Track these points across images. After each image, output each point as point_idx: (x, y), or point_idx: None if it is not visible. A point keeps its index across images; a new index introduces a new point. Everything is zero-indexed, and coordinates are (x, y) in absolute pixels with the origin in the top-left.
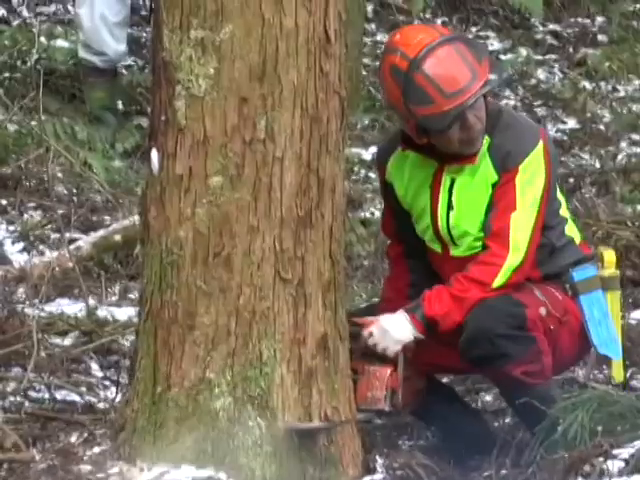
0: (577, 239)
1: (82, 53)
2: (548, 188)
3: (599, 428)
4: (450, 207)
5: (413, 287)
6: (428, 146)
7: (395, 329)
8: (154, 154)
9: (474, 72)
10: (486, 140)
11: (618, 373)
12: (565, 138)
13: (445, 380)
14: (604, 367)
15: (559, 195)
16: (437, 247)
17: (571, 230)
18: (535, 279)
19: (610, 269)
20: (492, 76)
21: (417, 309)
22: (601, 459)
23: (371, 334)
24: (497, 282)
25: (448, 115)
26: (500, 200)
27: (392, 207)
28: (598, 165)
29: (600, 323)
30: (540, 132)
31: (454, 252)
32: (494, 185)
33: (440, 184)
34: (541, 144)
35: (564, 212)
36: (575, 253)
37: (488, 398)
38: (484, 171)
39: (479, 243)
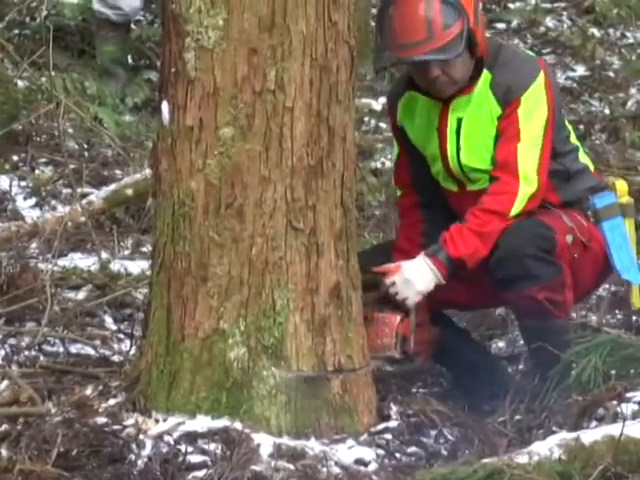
0: (591, 167)
1: (97, 6)
2: (552, 117)
3: (612, 372)
4: (459, 148)
5: (427, 236)
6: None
7: (418, 279)
8: (164, 106)
9: (431, 33)
10: (487, 76)
11: (637, 299)
12: (574, 85)
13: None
14: (617, 312)
15: (567, 123)
16: (453, 186)
17: (584, 157)
18: (556, 204)
19: (625, 197)
20: (457, 46)
21: (439, 251)
22: (615, 402)
23: (393, 283)
24: (514, 210)
25: (398, 60)
26: (505, 132)
27: (407, 151)
28: (608, 111)
29: (621, 247)
30: (540, 63)
31: (471, 187)
32: (499, 118)
33: (447, 126)
34: (542, 75)
35: (574, 140)
36: (591, 180)
37: (501, 344)
38: (488, 107)
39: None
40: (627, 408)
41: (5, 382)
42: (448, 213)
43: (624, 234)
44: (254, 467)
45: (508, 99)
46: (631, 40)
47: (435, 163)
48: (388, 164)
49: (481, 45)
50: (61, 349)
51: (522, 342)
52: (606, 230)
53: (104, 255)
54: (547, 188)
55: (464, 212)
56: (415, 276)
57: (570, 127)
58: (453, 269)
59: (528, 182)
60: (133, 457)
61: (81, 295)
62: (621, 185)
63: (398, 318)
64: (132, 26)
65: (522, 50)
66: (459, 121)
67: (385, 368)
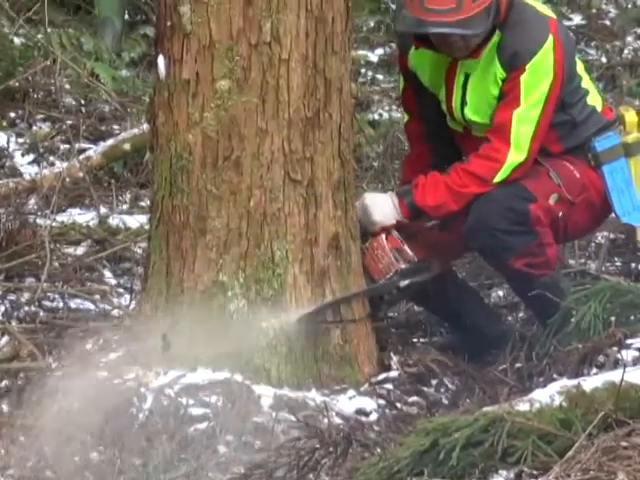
0: (599, 106)
1: None
2: (558, 80)
3: (612, 318)
4: (464, 102)
5: (435, 168)
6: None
7: (376, 209)
8: (161, 60)
9: (460, 4)
10: (496, 37)
11: None
12: (571, 34)
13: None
14: (615, 259)
15: (579, 70)
16: (459, 128)
17: (593, 99)
18: (556, 153)
19: (632, 133)
20: (483, 21)
21: (407, 194)
22: (615, 349)
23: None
24: (498, 178)
25: (420, 26)
26: (506, 95)
27: (414, 89)
28: (605, 60)
29: (623, 192)
30: (550, 25)
31: (476, 133)
32: (503, 80)
33: (454, 79)
34: (550, 39)
35: (586, 84)
36: (597, 122)
37: (501, 293)
38: (494, 69)
39: None
40: (627, 354)
41: (5, 338)
42: (456, 145)
43: (626, 176)
44: (255, 419)
45: (513, 65)
46: None
47: (443, 105)
48: (385, 115)
49: (502, 12)
50: (61, 304)
51: None
52: (606, 174)
53: (102, 210)
54: (550, 139)
55: (468, 152)
56: (374, 205)
57: (582, 71)
58: (416, 214)
59: (519, 149)
60: (134, 410)
61: (80, 250)
62: (631, 117)
63: (383, 236)
64: None
65: (534, 9)
66: (466, 76)
67: (401, 283)
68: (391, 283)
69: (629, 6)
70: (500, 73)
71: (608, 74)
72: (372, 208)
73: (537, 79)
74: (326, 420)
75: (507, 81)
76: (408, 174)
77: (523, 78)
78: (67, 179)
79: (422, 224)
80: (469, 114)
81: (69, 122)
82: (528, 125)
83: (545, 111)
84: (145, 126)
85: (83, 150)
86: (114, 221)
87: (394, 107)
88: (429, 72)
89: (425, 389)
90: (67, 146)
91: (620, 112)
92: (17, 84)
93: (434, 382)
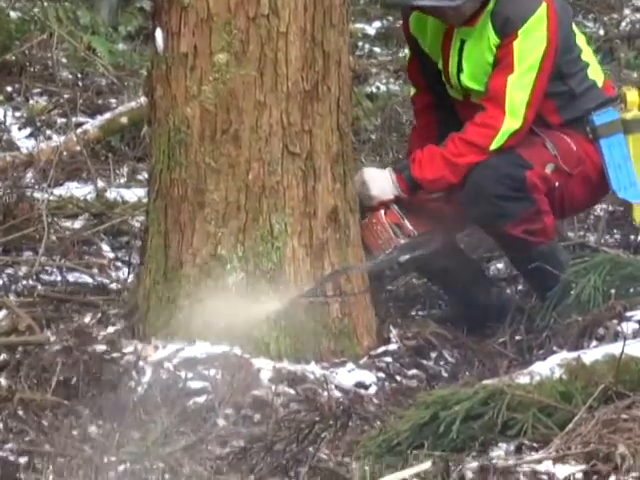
0: (600, 82)
1: None
2: (551, 48)
3: (612, 291)
4: (460, 69)
5: (441, 139)
6: None
7: (374, 184)
8: (158, 33)
9: None
10: (492, 2)
11: (638, 215)
12: (568, 5)
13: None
14: (615, 231)
15: (579, 42)
16: (458, 95)
17: (594, 73)
18: (555, 125)
19: (633, 111)
20: None
21: (405, 169)
22: (615, 321)
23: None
24: (494, 145)
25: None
26: (500, 62)
27: (419, 57)
28: (602, 32)
29: (620, 167)
30: None
31: (475, 100)
32: (497, 47)
33: (450, 45)
34: (543, 6)
35: (586, 56)
36: (597, 96)
37: (500, 266)
38: (487, 34)
39: None
40: (627, 327)
41: (3, 311)
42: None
43: (624, 152)
44: (254, 392)
45: (505, 31)
46: None
47: (443, 74)
48: (383, 88)
49: None
50: (59, 278)
51: None
52: (604, 147)
53: (100, 184)
54: (548, 109)
55: (468, 120)
56: (372, 180)
57: (583, 44)
58: (415, 188)
59: (514, 116)
60: (133, 384)
61: (78, 224)
62: (632, 96)
63: (381, 212)
64: None
65: None
66: (462, 42)
67: (402, 258)
68: (391, 258)
69: None
70: (494, 39)
71: (606, 47)
72: (370, 183)
73: (530, 45)
74: (326, 393)
75: (500, 47)
76: (415, 146)
77: (516, 44)
78: (64, 153)
79: (425, 197)
80: (465, 80)
81: (66, 96)
82: (522, 91)
83: (539, 77)
84: (142, 99)
85: (80, 124)
86: (112, 194)
87: (392, 80)
88: (429, 38)
89: (424, 362)
90: (64, 120)
91: (622, 91)
92: (14, 58)
93: (433, 355)
